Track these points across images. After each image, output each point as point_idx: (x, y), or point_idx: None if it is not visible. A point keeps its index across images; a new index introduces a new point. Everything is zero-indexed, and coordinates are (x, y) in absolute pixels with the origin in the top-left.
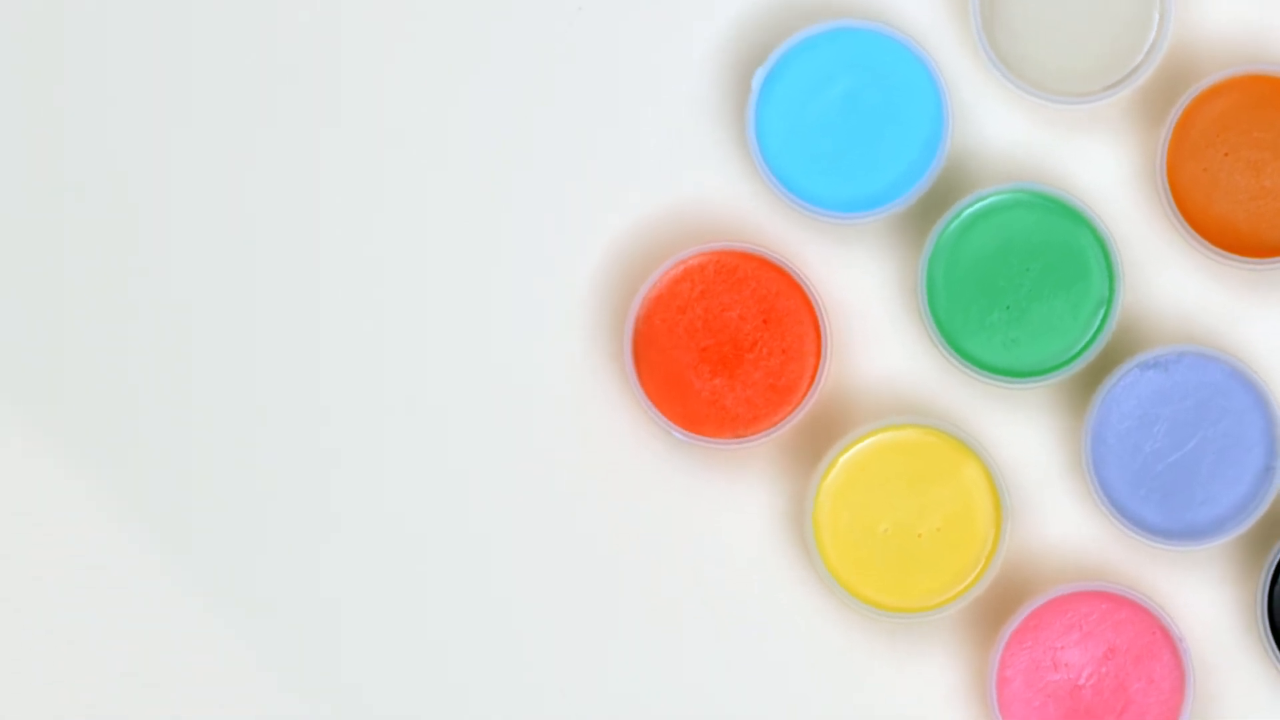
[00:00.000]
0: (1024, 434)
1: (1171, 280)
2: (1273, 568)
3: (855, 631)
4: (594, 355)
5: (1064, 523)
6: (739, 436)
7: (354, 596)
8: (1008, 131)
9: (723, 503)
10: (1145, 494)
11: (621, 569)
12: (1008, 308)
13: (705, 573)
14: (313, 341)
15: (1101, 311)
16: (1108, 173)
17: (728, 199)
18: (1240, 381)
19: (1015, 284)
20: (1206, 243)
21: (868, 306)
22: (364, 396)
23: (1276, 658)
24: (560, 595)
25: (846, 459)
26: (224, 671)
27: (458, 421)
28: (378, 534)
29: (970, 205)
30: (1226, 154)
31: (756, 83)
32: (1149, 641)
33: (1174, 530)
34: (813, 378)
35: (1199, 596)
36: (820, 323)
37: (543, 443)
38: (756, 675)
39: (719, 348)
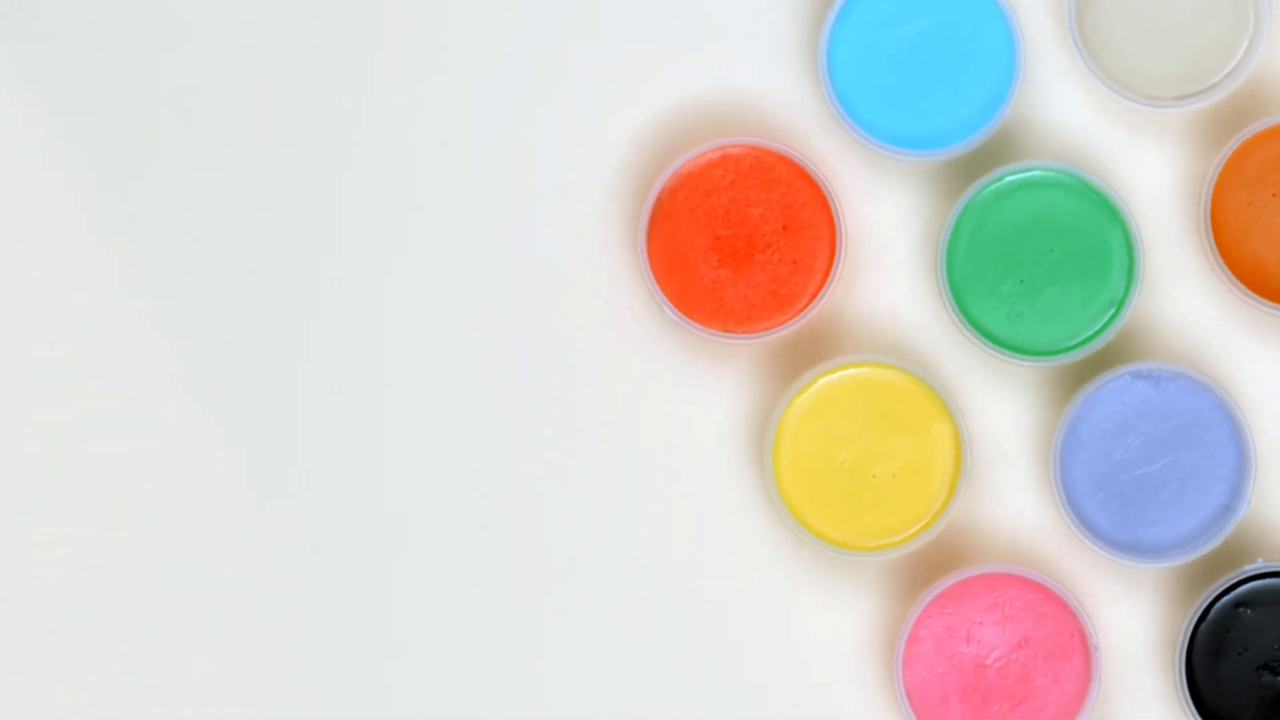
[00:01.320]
0: (1004, 409)
1: (1188, 300)
2: (1202, 608)
3: (787, 552)
4: (614, 219)
5: (1018, 505)
6: (727, 331)
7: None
8: (1073, 112)
9: (695, 394)
10: (1103, 499)
11: (579, 426)
12: (1022, 281)
13: (657, 456)
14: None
15: (1112, 310)
16: (1157, 179)
17: (783, 103)
18: (1225, 416)
19: (1036, 261)
20: (1231, 274)
21: (890, 243)
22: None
23: (1185, 695)
24: (512, 433)
25: (826, 381)
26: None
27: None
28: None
29: (1014, 173)
30: (1275, 194)
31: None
32: (1065, 641)
33: (1120, 542)
34: (815, 295)
35: (1128, 613)
36: (837, 244)
37: (540, 294)
38: (680, 568)
39: (733, 240)
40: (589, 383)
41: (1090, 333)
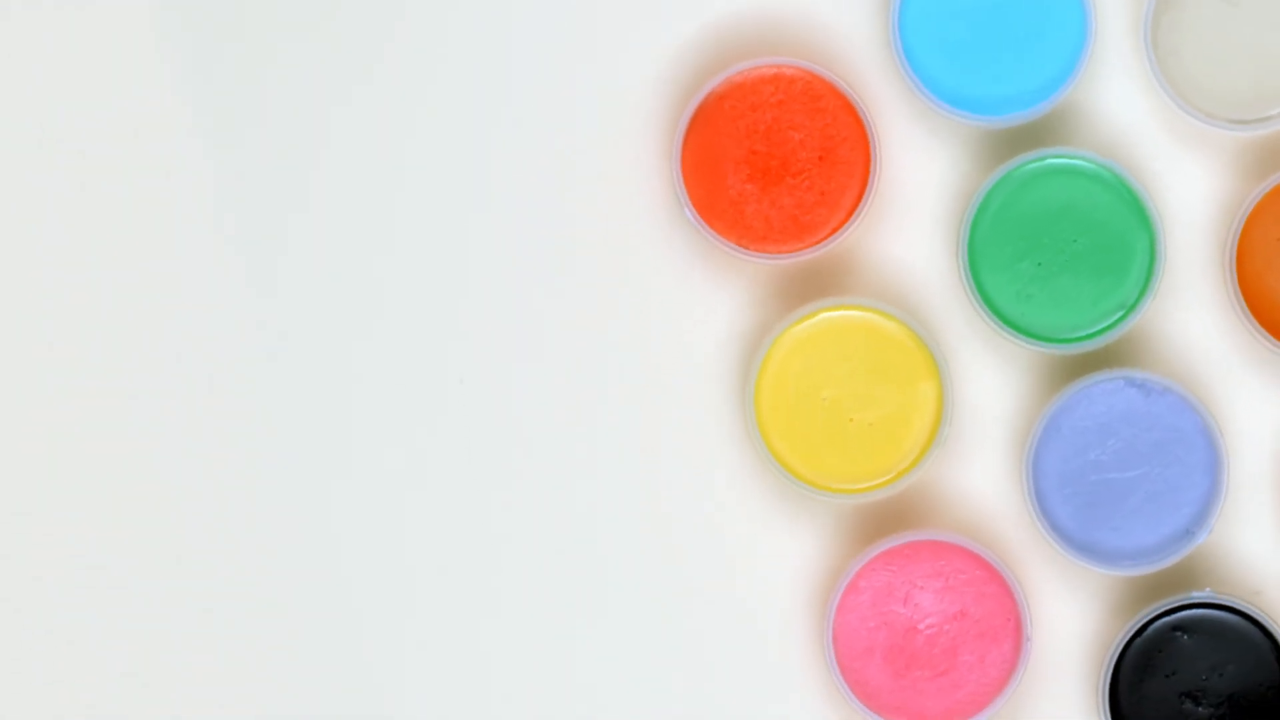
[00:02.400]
0: (994, 386)
1: (1198, 319)
2: (1140, 623)
3: (750, 476)
4: (659, 117)
5: (985, 482)
6: (741, 245)
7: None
8: (1129, 110)
9: (696, 300)
10: (1069, 494)
11: (572, 303)
12: (1040, 264)
13: (644, 351)
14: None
15: (1120, 313)
16: (1195, 195)
17: (847, 36)
18: (1207, 441)
19: (1058, 247)
20: (1244, 305)
21: (921, 197)
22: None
23: (1104, 704)
24: (503, 293)
25: (827, 316)
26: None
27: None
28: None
29: (1057, 156)
30: None
31: None
32: (1000, 624)
33: (1076, 540)
34: (835, 229)
35: (1069, 611)
36: (868, 186)
37: (569, 175)
38: (638, 470)
39: (767, 158)
40: (593, 263)
41: (1094, 330)
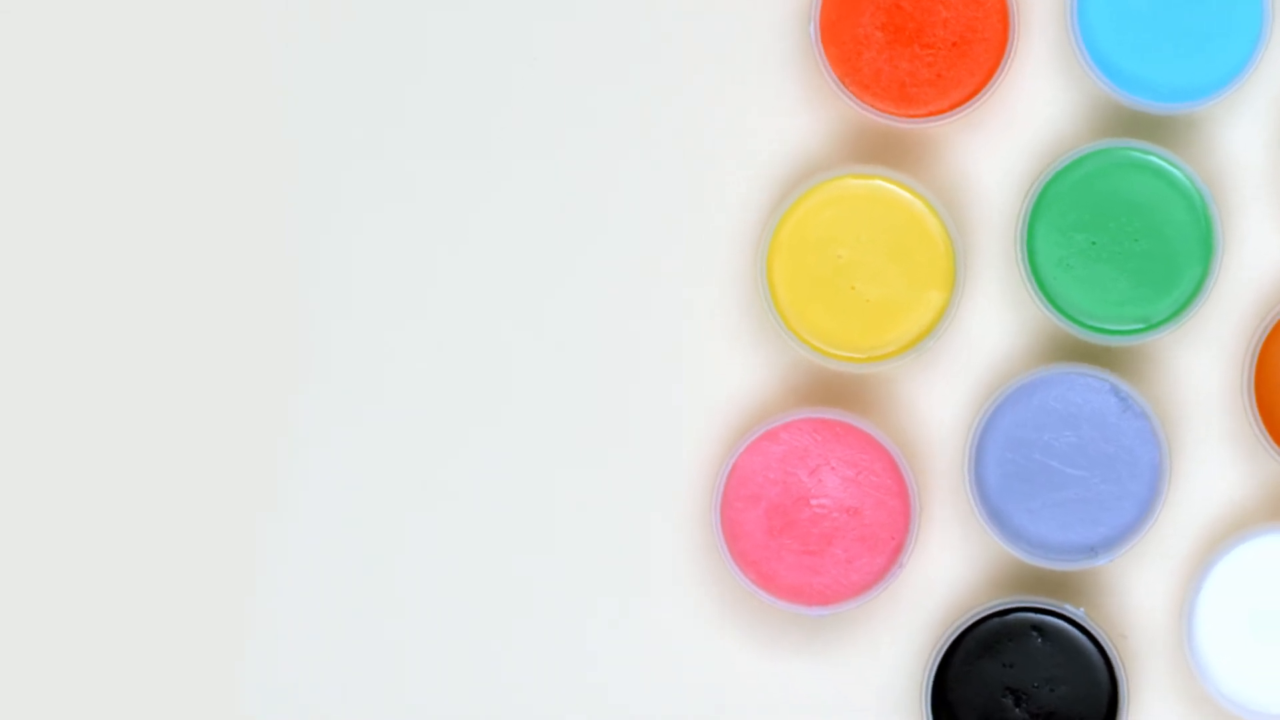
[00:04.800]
0: (995, 329)
1: (1205, 369)
2: (1005, 608)
3: (735, 290)
4: None
5: (943, 410)
6: (839, 77)
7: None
8: (1259, 150)
9: (771, 113)
10: (1006, 459)
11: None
12: (1094, 243)
13: (705, 144)
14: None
15: (1139, 326)
16: (1272, 251)
17: None
18: (1153, 480)
19: (1117, 238)
20: (1253, 383)
21: (1022, 131)
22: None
23: (934, 660)
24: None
25: (879, 185)
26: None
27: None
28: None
29: (1161, 158)
30: None
31: None
32: (883, 539)
33: (989, 502)
34: (928, 114)
35: (952, 561)
36: (981, 92)
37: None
38: (631, 254)
39: (908, 17)
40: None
41: (1108, 327)
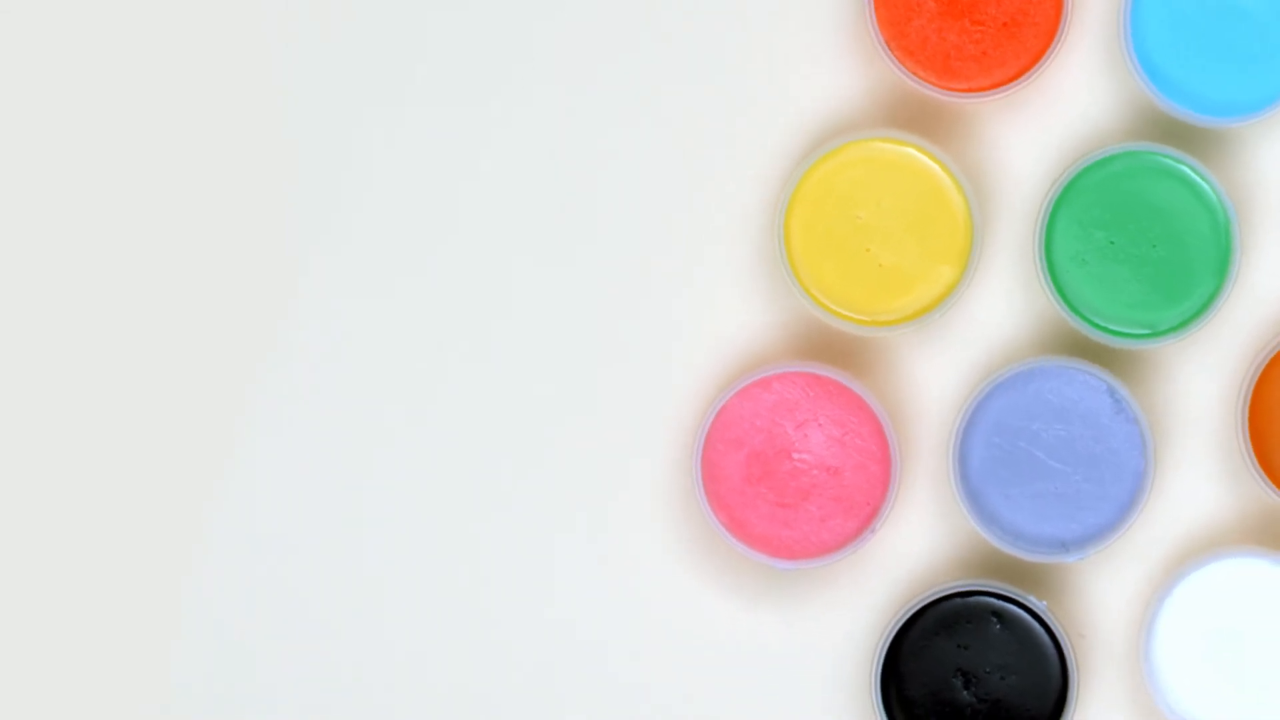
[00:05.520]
0: (1007, 312)
1: (1204, 386)
2: (966, 590)
3: (748, 236)
4: None
5: (940, 385)
6: (886, 40)
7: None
8: None
9: (814, 64)
10: (993, 443)
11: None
12: (1112, 243)
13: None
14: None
15: (1144, 332)
16: None
17: None
18: (1135, 486)
19: (1136, 240)
20: (1246, 415)
21: (1058, 123)
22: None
23: (888, 635)
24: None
25: (911, 152)
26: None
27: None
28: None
29: (1193, 169)
30: None
31: None
32: (860, 503)
33: (968, 482)
34: (968, 90)
35: (924, 535)
36: (1022, 78)
37: None
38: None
39: None
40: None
41: (1112, 329)
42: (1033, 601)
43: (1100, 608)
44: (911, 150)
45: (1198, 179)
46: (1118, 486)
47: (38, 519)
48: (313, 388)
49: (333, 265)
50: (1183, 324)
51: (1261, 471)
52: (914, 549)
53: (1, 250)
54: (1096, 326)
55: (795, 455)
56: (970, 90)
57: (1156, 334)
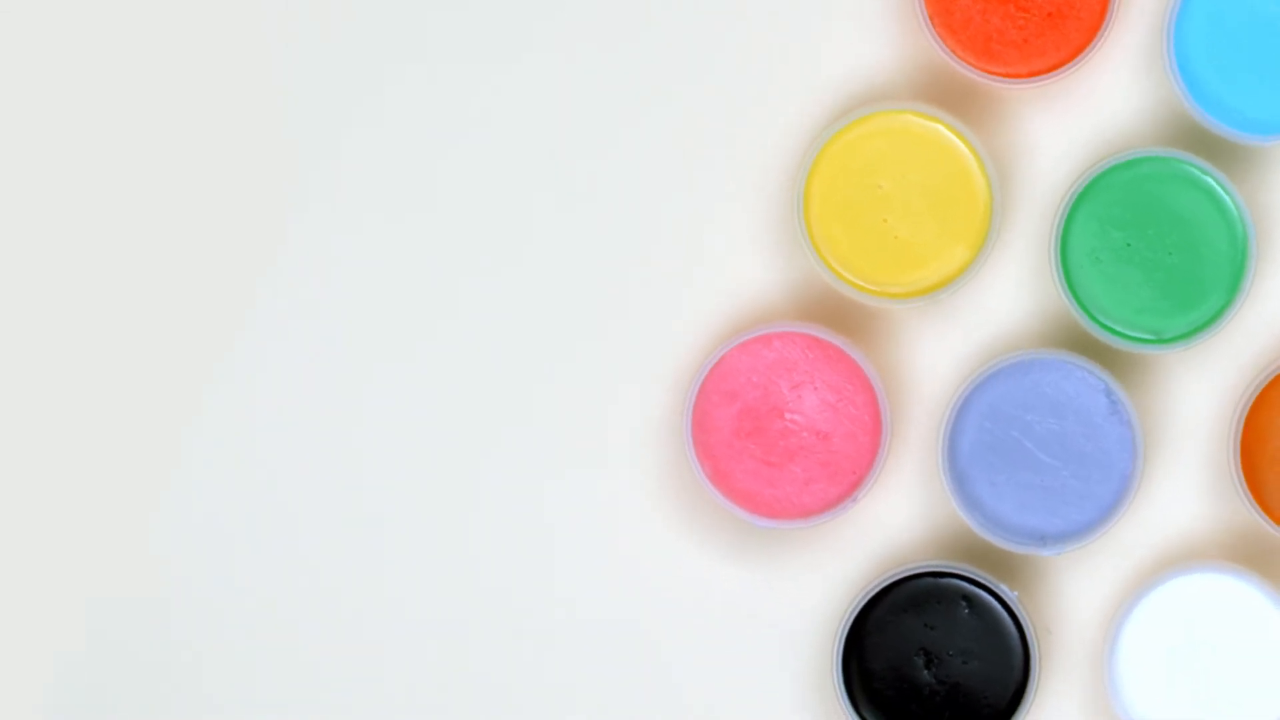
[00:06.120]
0: (1016, 300)
1: (1202, 396)
2: (937, 570)
3: (764, 196)
4: None
5: (942, 365)
6: (929, 14)
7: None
8: None
9: (860, 51)
10: (985, 428)
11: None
12: (1129, 244)
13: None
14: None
15: (1148, 337)
16: None
17: None
18: (1120, 487)
19: (1152, 244)
20: (1239, 433)
21: (1092, 118)
22: None
23: (854, 607)
24: None
25: (940, 129)
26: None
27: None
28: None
29: (1219, 183)
30: None
31: None
32: (845, 471)
33: (955, 464)
34: (1005, 75)
35: (905, 505)
36: (1061, 69)
37: None
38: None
39: None
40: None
41: (1117, 329)
42: (1004, 590)
43: (1071, 605)
44: (941, 127)
45: (1222, 192)
46: (1103, 487)
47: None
48: (307, 320)
49: (332, 188)
50: (1188, 334)
51: (1248, 490)
52: (893, 523)
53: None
54: (1102, 326)
55: (787, 415)
56: (1007, 76)
57: (1161, 341)
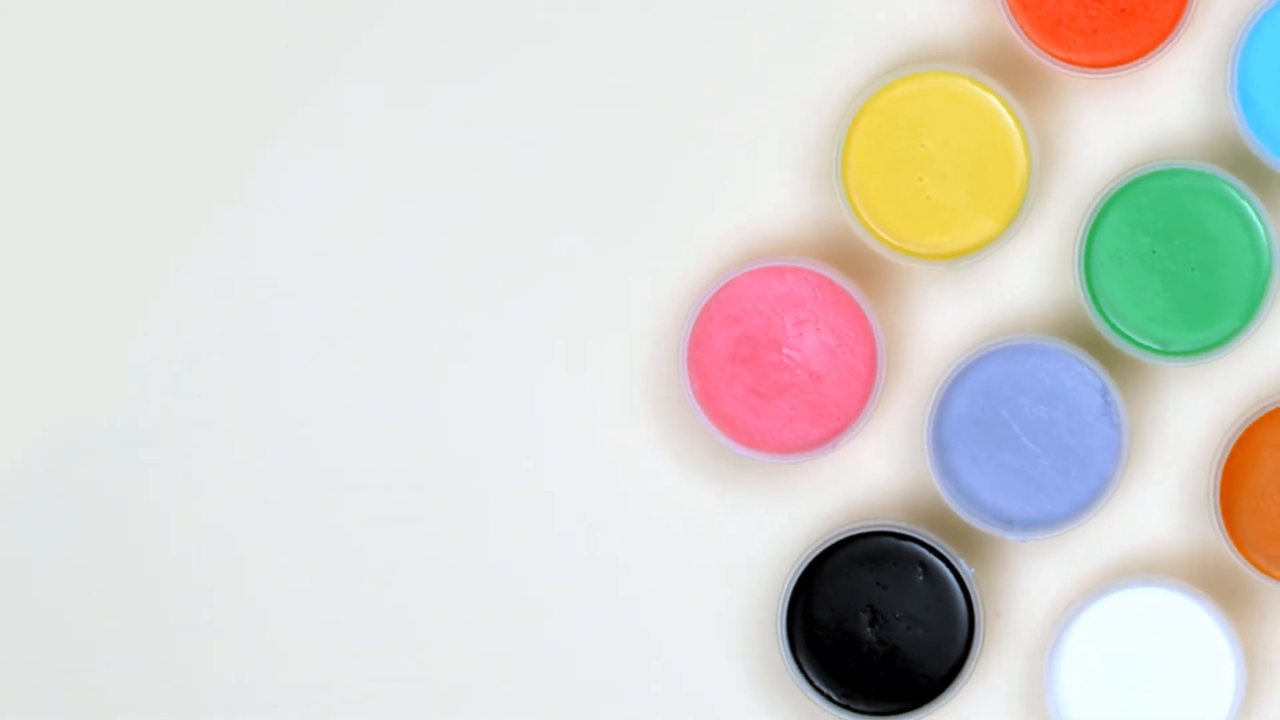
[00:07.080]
0: (1032, 284)
1: (1198, 420)
2: (901, 532)
3: (808, 151)
4: None
5: (942, 332)
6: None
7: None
8: None
9: (926, 11)
10: (978, 402)
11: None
12: (1153, 251)
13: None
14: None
15: (1155, 347)
16: None
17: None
18: (1100, 488)
19: (1178, 257)
20: (1224, 459)
21: (1152, 118)
22: None
23: (807, 557)
24: None
25: (988, 97)
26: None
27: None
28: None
29: (1254, 208)
30: None
31: None
32: (831, 416)
33: (940, 435)
34: (1070, 62)
35: (885, 474)
36: (1129, 64)
37: None
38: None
39: None
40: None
41: (1126, 334)
42: (962, 565)
43: (1024, 594)
44: (995, 100)
45: (1255, 219)
46: (1080, 483)
47: None
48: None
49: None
50: (1194, 351)
51: (1221, 517)
52: (867, 477)
53: None
54: (1112, 326)
55: (785, 350)
56: (1069, 62)
57: (1166, 352)
